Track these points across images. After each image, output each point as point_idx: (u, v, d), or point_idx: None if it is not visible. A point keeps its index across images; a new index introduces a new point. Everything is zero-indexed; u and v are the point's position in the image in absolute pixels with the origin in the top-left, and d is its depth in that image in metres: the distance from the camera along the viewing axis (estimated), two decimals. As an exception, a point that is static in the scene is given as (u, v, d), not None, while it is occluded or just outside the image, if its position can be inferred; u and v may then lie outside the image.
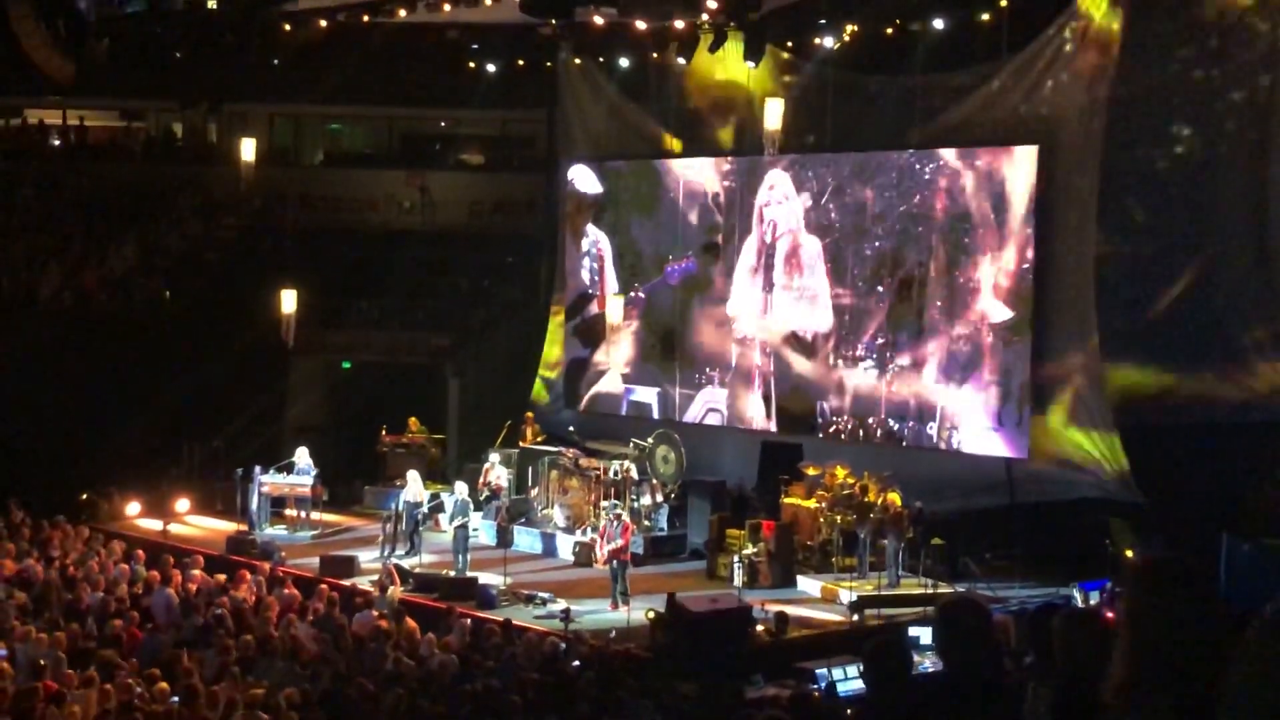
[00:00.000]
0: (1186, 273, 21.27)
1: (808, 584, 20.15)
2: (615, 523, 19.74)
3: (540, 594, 19.41)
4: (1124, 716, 3.23)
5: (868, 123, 23.93)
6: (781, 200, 24.53)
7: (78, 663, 14.03)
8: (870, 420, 23.31)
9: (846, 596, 19.09)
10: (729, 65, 24.96)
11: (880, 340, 23.23)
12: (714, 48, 24.21)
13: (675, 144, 26.49)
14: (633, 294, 26.56)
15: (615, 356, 26.88)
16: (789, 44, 24.61)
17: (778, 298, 24.61)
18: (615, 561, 19.29)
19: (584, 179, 27.64)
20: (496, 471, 23.18)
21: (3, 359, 25.98)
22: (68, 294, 28.74)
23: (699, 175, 25.87)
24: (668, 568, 21.57)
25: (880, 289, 23.27)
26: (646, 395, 26.57)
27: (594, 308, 27.45)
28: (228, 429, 26.62)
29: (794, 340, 24.36)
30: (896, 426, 23.01)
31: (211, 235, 30.75)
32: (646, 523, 22.26)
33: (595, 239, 27.49)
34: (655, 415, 26.01)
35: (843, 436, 23.55)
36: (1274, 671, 3.02)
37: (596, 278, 27.38)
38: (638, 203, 26.84)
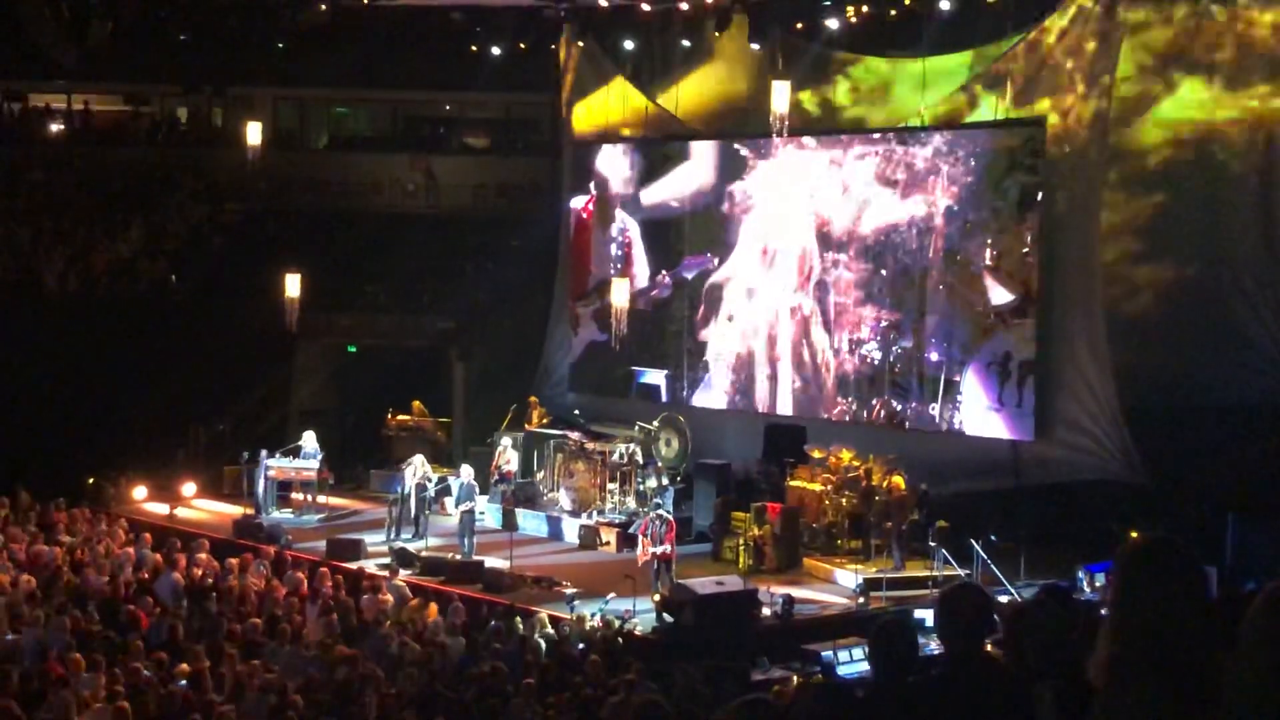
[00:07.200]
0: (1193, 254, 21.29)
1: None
2: (659, 524, 19.11)
3: (552, 579, 19.42)
4: (1110, 695, 3.23)
5: (872, 103, 23.84)
6: (782, 183, 24.42)
7: (85, 647, 14.07)
8: (874, 402, 23.26)
9: (851, 579, 19.11)
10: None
11: (883, 323, 23.15)
12: (720, 29, 24.15)
13: (680, 127, 26.30)
14: (660, 278, 26.29)
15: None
16: (795, 25, 24.56)
17: (779, 282, 24.52)
18: (659, 564, 18.80)
19: (612, 163, 27.34)
20: (508, 455, 23.18)
21: (9, 343, 26.01)
22: (74, 278, 28.77)
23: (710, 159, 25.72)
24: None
25: (883, 272, 23.19)
26: (655, 378, 26.41)
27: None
28: (234, 413, 26.67)
29: (798, 323, 24.28)
30: (899, 408, 22.96)
31: (217, 219, 30.77)
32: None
33: (624, 224, 27.07)
34: (664, 399, 25.89)
35: (847, 419, 23.49)
36: (1273, 648, 3.03)
37: (620, 264, 26.92)
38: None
